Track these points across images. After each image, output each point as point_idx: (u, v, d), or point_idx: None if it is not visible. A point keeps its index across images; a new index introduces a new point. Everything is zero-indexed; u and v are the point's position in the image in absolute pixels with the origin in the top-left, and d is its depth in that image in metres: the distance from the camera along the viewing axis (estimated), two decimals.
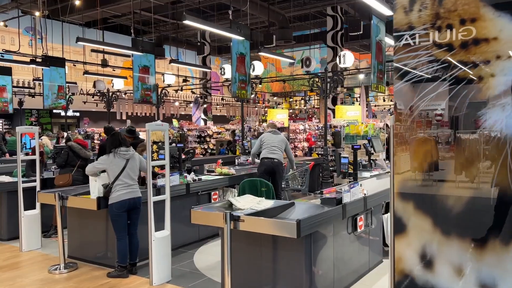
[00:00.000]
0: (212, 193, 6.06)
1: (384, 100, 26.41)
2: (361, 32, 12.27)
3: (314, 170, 9.29)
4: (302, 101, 33.53)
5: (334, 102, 19.17)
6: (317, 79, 10.04)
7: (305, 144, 15.70)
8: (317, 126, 11.49)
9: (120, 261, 4.50)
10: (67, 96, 11.68)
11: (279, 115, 15.55)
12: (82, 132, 17.34)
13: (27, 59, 10.77)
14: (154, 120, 21.80)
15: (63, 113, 21.68)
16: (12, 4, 15.28)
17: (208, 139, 16.95)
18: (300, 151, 15.54)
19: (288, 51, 28.06)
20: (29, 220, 5.65)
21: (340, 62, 9.51)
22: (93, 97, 16.26)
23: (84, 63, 13.45)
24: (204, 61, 24.27)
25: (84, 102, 19.04)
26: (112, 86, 13.69)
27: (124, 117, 19.83)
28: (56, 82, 10.07)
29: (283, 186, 6.83)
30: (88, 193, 4.98)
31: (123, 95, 16.67)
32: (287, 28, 17.77)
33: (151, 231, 4.24)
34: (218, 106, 25.62)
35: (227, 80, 11.74)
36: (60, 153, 6.96)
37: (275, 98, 31.91)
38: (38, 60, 10.28)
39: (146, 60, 9.60)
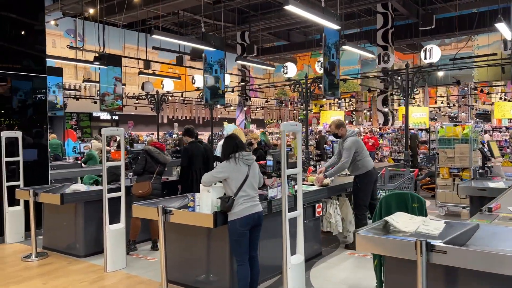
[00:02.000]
0: (316, 205, 5.23)
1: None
2: (433, 27, 11.32)
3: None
4: (335, 104, 32.53)
5: (385, 103, 18.18)
6: (396, 76, 9.12)
7: None
8: (393, 129, 10.53)
9: None
10: (122, 97, 11.08)
11: (334, 118, 14.63)
12: (126, 136, 16.81)
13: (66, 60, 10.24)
14: (195, 124, 21.27)
15: (103, 116, 21.34)
16: (54, 6, 14.91)
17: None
18: None
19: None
20: (115, 235, 4.93)
21: (425, 57, 8.57)
22: (137, 100, 15.69)
23: (139, 59, 12.67)
24: (243, 63, 23.59)
25: (124, 105, 18.57)
26: (162, 88, 13.06)
27: (165, 120, 19.28)
28: (112, 82, 9.46)
29: None
30: (185, 206, 4.24)
31: (169, 97, 16.06)
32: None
33: (287, 256, 3.42)
34: (255, 110, 24.87)
35: (289, 79, 10.95)
36: (137, 159, 6.26)
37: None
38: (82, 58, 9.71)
39: (215, 57, 8.86)
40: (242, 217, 3.62)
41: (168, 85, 13.17)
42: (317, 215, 5.21)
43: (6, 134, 6.24)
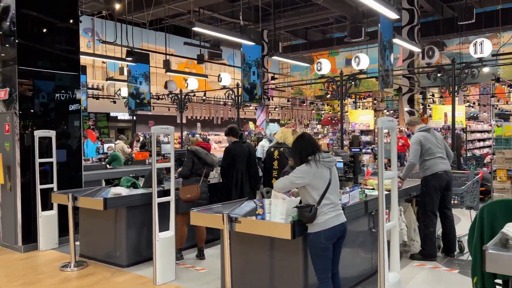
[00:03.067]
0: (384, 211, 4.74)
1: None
2: (473, 21, 10.76)
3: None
4: (349, 105, 31.96)
5: (411, 102, 17.60)
6: (441, 73, 8.60)
7: None
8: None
9: None
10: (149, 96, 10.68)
11: (362, 117, 14.13)
12: (147, 136, 16.43)
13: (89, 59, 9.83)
14: (213, 124, 20.83)
15: (120, 117, 21.01)
16: None
17: None
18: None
19: (344, 50, 26.67)
20: (165, 244, 4.49)
21: (475, 52, 8.04)
22: (158, 99, 15.30)
23: (166, 54, 12.27)
24: (262, 61, 23.13)
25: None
26: (187, 86, 12.64)
27: (184, 120, 18.87)
28: (139, 80, 9.05)
29: (454, 202, 5.46)
30: (250, 213, 3.80)
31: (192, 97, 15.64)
32: (360, 23, 16.42)
33: (384, 274, 2.96)
34: (273, 110, 24.37)
35: (323, 76, 10.41)
36: (179, 160, 5.84)
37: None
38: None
39: (254, 54, 8.37)
40: (327, 229, 3.16)
41: (193, 83, 12.75)
42: (385, 222, 4.72)
43: (39, 133, 5.84)
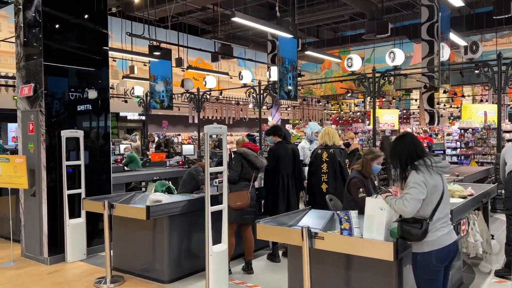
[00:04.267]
0: (462, 221, 4.22)
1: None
2: (510, 15, 10.22)
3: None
4: (353, 104, 31.46)
5: (431, 102, 17.10)
6: (486, 69, 8.07)
7: None
8: (476, 128, 9.46)
9: None
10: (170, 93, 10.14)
11: (386, 116, 13.61)
12: (161, 136, 15.92)
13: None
14: (225, 124, 20.24)
15: (130, 117, 20.49)
16: None
17: None
18: None
19: (355, 49, 26.13)
20: (218, 258, 3.97)
21: None
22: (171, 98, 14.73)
23: (184, 47, 11.58)
24: (274, 60, 22.61)
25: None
26: (205, 85, 12.11)
27: (196, 120, 18.36)
28: (163, 76, 8.51)
29: None
30: (325, 228, 3.29)
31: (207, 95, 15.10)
32: (380, 20, 15.90)
33: None
34: (286, 109, 23.85)
35: (353, 73, 9.90)
36: (230, 164, 5.30)
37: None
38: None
39: (290, 49, 7.79)
40: (440, 249, 2.63)
41: (211, 82, 12.22)
42: (461, 234, 4.20)
43: (67, 133, 5.31)
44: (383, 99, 29.03)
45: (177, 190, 5.79)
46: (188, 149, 10.23)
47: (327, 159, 5.26)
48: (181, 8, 15.38)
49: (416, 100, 29.47)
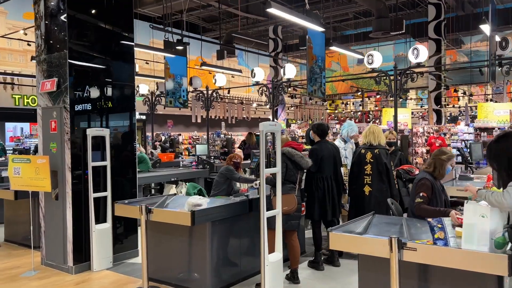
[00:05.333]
0: None
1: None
2: None
3: None
4: (350, 104, 31.29)
5: (438, 101, 16.89)
6: None
7: (424, 150, 13.49)
8: (503, 127, 9.23)
9: None
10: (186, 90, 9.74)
11: (399, 115, 13.32)
12: (166, 136, 15.49)
13: None
14: (227, 123, 19.93)
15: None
16: None
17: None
18: (420, 157, 13.34)
19: (356, 48, 25.91)
20: (275, 268, 3.62)
21: None
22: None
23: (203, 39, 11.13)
24: (276, 60, 22.30)
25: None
26: (215, 83, 11.70)
27: (199, 120, 17.95)
28: (182, 74, 8.13)
29: None
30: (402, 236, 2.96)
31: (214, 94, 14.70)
32: (386, 17, 15.67)
33: None
34: (288, 108, 23.52)
35: (373, 70, 9.59)
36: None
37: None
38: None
39: (320, 45, 7.41)
40: None
41: (221, 80, 11.82)
42: None
43: (93, 132, 4.92)
44: (381, 99, 28.96)
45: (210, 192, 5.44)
46: (202, 149, 9.86)
47: (372, 160, 4.95)
48: (180, 6, 15.00)
49: (413, 99, 29.46)
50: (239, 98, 20.02)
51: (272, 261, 3.58)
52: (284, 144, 4.57)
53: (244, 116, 21.34)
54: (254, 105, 19.92)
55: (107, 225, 5.06)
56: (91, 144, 4.88)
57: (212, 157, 10.94)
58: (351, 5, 18.72)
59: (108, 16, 5.22)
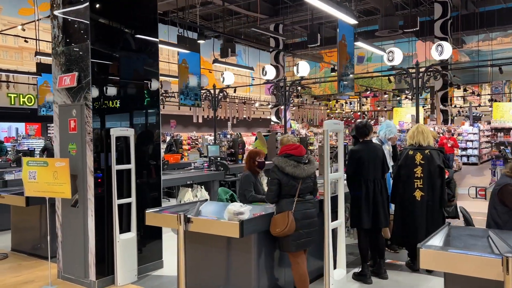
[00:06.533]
0: None
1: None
2: None
3: None
4: (346, 105, 31.17)
5: (445, 100, 16.67)
6: None
7: None
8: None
9: None
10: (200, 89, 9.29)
11: (409, 115, 13.04)
12: (169, 136, 14.98)
13: None
14: (231, 123, 19.42)
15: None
16: None
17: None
18: None
19: (356, 48, 25.64)
20: (340, 285, 3.21)
21: None
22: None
23: (216, 32, 10.73)
24: (277, 58, 21.94)
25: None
26: (222, 81, 11.27)
27: (200, 120, 17.52)
28: (196, 72, 7.69)
29: None
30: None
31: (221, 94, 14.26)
32: (392, 16, 15.35)
33: None
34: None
35: (393, 67, 9.24)
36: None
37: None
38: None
39: (351, 41, 7.05)
40: None
41: (229, 78, 11.39)
42: None
43: (117, 132, 4.46)
44: (378, 99, 28.78)
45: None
46: (214, 150, 9.42)
47: (422, 162, 4.57)
48: (181, 3, 14.53)
49: (410, 99, 29.31)
50: (240, 98, 19.62)
51: (337, 279, 3.17)
52: (281, 149, 4.02)
53: (245, 116, 20.96)
54: (257, 104, 19.50)
55: (132, 235, 4.60)
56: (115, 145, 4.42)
57: (219, 158, 10.50)
58: (354, 4, 18.38)
59: (133, 7, 4.77)
